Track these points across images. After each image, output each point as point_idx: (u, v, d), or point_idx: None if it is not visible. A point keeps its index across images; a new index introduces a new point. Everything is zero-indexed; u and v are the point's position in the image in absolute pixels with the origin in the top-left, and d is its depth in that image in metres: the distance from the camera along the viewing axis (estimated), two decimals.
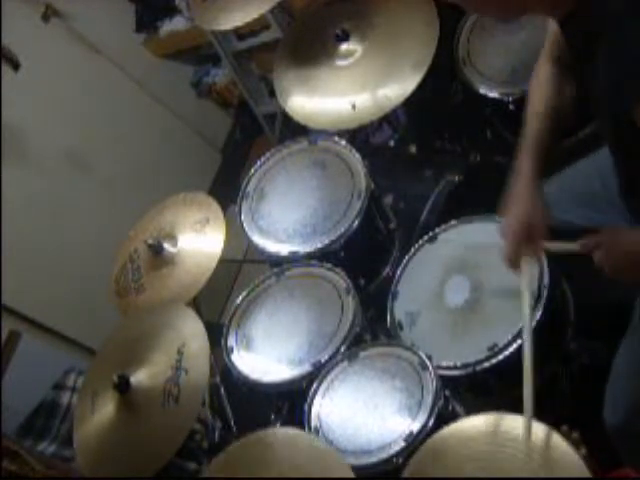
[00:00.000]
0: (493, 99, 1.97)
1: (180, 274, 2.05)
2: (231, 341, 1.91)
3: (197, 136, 3.53)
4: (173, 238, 2.12)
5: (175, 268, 2.07)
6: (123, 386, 1.77)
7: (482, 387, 1.71)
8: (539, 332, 1.56)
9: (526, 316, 1.44)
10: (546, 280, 1.60)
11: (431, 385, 1.57)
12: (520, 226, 1.42)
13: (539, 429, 1.33)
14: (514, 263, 1.45)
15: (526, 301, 1.45)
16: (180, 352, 1.77)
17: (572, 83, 1.45)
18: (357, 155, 2.00)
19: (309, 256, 1.93)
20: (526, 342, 1.41)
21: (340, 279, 1.87)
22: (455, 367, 1.61)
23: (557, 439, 1.32)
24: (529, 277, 1.46)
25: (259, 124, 3.42)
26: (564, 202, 1.63)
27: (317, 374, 1.73)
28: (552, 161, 1.50)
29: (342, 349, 1.75)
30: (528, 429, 1.32)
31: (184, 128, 3.46)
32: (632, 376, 1.47)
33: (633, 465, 1.56)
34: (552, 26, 1.42)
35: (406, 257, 1.86)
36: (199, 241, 2.07)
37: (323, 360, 1.75)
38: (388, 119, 2.39)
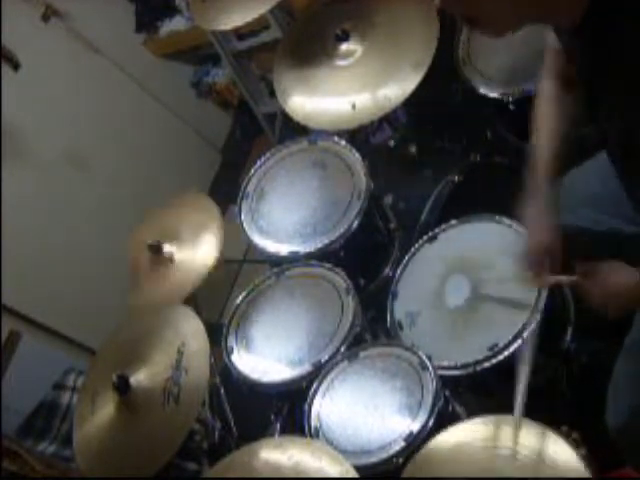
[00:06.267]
0: (493, 99, 1.97)
1: (175, 277, 2.06)
2: (231, 341, 1.91)
3: (197, 136, 3.53)
4: (174, 240, 2.12)
5: (171, 270, 2.08)
6: (123, 386, 1.77)
7: (482, 387, 1.71)
8: (539, 332, 1.57)
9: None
10: None
11: (431, 385, 1.57)
12: (538, 257, 1.45)
13: (539, 430, 1.34)
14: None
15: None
16: (180, 352, 1.77)
17: (574, 93, 1.45)
18: (357, 155, 2.00)
19: (309, 256, 1.93)
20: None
21: (340, 279, 1.87)
22: (455, 367, 1.61)
23: (557, 439, 1.32)
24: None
25: (259, 124, 3.42)
26: (566, 204, 1.63)
27: (317, 374, 1.73)
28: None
29: (342, 349, 1.75)
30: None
31: (184, 128, 3.46)
32: (635, 376, 1.46)
33: (634, 465, 1.56)
34: (551, 41, 1.41)
35: (406, 257, 1.86)
36: (196, 246, 2.08)
37: (323, 360, 1.75)
38: (388, 119, 2.39)
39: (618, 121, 1.20)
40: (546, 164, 1.46)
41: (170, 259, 2.10)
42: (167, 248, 2.11)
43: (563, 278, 1.46)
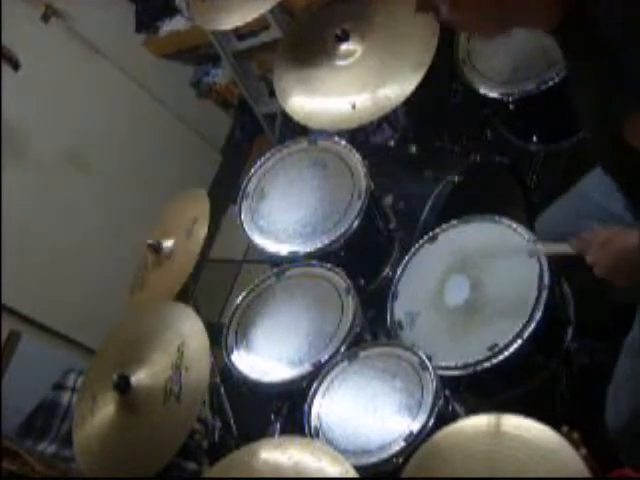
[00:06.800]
0: (493, 99, 1.97)
1: (171, 273, 2.06)
2: (231, 341, 1.91)
3: (197, 136, 3.53)
4: (171, 237, 2.12)
5: (170, 267, 2.08)
6: (123, 386, 1.77)
7: (482, 387, 1.71)
8: (539, 333, 1.57)
9: None
10: (546, 281, 1.60)
11: (431, 385, 1.57)
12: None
13: (539, 429, 1.34)
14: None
15: None
16: (180, 351, 1.77)
17: None
18: (357, 155, 2.00)
19: (309, 256, 1.93)
20: None
21: (340, 279, 1.87)
22: (455, 367, 1.61)
23: (557, 439, 1.32)
24: None
25: (259, 124, 3.42)
26: (569, 218, 1.64)
27: (317, 374, 1.73)
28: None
29: (342, 349, 1.75)
30: None
31: (184, 128, 3.46)
32: (635, 377, 1.46)
33: (634, 466, 1.56)
34: None
35: (406, 257, 1.86)
36: (189, 240, 2.08)
37: (323, 360, 1.75)
38: (388, 119, 2.39)
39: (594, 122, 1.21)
40: None
41: (168, 256, 2.10)
42: (165, 246, 2.11)
43: (560, 247, 1.45)
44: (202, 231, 2.03)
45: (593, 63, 1.12)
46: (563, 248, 1.42)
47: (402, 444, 1.52)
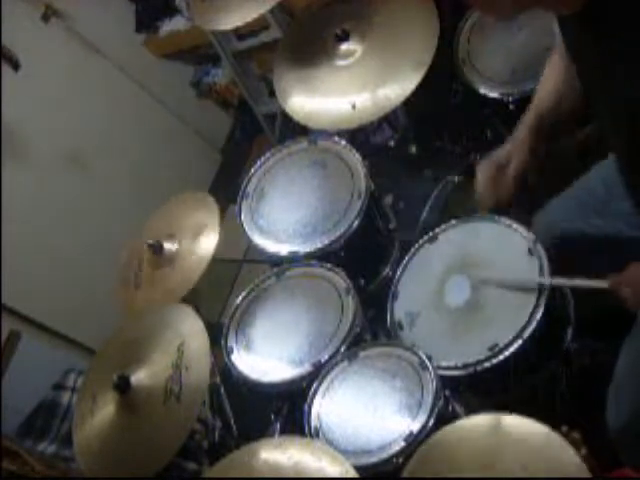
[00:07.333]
0: (493, 99, 1.97)
1: (174, 277, 2.06)
2: (231, 341, 1.91)
3: (197, 136, 3.53)
4: (175, 239, 2.12)
5: (172, 270, 2.08)
6: (123, 386, 1.77)
7: (483, 387, 1.71)
8: (539, 333, 1.57)
9: None
10: (546, 281, 1.60)
11: (431, 385, 1.57)
12: (490, 165, 1.60)
13: (539, 429, 1.34)
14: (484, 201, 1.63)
15: None
16: (180, 350, 1.77)
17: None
18: (357, 155, 2.00)
19: (309, 256, 1.93)
20: None
21: (340, 279, 1.87)
22: (456, 367, 1.61)
23: (557, 439, 1.32)
24: None
25: (259, 124, 3.42)
26: (571, 212, 1.64)
27: (317, 374, 1.73)
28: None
29: (342, 349, 1.75)
30: None
31: (184, 128, 3.46)
32: (636, 377, 1.46)
33: (634, 466, 1.56)
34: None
35: (406, 257, 1.86)
36: (195, 244, 2.08)
37: (323, 360, 1.75)
38: (388, 119, 2.39)
39: (624, 105, 1.19)
40: (534, 117, 1.55)
41: (170, 258, 2.10)
42: (167, 247, 2.11)
43: (592, 282, 1.46)
44: (212, 239, 2.04)
45: (623, 40, 1.11)
46: (599, 284, 1.44)
47: (402, 444, 1.52)
